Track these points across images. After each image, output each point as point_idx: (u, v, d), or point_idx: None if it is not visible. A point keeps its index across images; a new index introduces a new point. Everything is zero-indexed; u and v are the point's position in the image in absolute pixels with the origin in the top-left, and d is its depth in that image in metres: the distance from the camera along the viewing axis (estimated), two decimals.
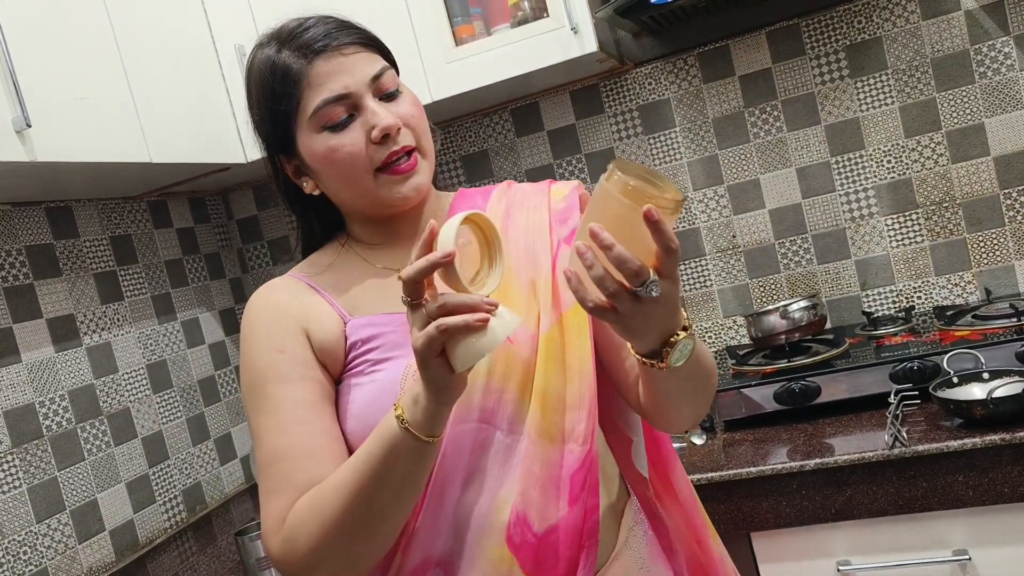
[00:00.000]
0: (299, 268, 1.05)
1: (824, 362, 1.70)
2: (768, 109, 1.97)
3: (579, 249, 0.74)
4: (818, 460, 1.46)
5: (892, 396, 1.54)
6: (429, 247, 0.76)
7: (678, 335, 0.79)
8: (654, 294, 0.73)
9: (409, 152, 0.94)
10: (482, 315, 0.74)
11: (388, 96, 0.94)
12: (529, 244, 0.98)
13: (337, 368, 0.96)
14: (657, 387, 0.90)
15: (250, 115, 1.01)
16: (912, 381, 1.57)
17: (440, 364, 0.76)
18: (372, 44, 0.96)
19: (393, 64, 0.99)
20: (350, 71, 0.92)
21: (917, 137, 1.89)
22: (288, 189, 1.02)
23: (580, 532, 0.90)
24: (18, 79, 1.36)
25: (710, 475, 1.52)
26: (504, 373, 0.91)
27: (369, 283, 0.99)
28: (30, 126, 1.37)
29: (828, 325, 1.96)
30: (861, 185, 1.94)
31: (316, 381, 0.93)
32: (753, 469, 1.49)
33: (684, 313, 0.81)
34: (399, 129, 0.93)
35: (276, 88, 0.93)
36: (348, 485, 0.82)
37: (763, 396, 1.68)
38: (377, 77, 0.93)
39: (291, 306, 0.97)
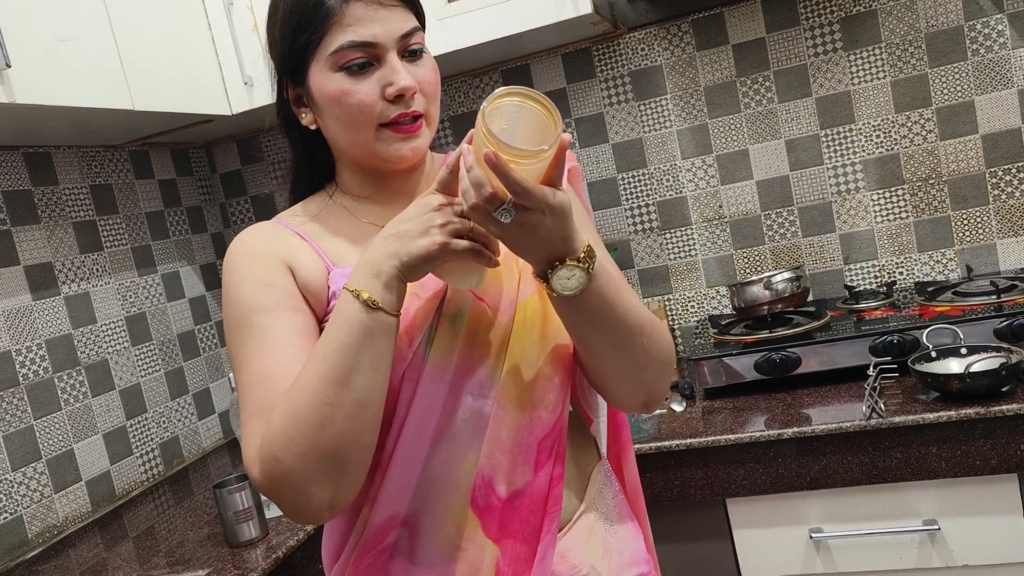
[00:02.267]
0: (286, 214, 1.03)
1: (805, 333, 1.71)
2: (760, 79, 1.96)
3: (462, 150, 0.79)
4: (795, 429, 1.47)
5: (871, 368, 1.56)
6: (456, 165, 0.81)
7: (564, 262, 0.81)
8: (503, 219, 0.77)
9: (416, 117, 0.93)
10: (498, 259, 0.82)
11: (412, 54, 0.93)
12: None
13: (319, 311, 0.95)
14: (569, 325, 0.90)
15: (267, 30, 0.99)
16: (891, 354, 1.59)
17: (425, 270, 0.83)
18: (411, 2, 0.95)
19: (423, 26, 0.98)
20: (383, 21, 0.90)
21: (907, 113, 1.89)
22: (288, 117, 1.00)
23: (545, 498, 0.91)
24: None
25: (688, 441, 1.53)
26: (480, 338, 0.90)
27: (354, 237, 0.98)
28: (9, 66, 1.33)
29: (810, 297, 1.97)
30: (849, 159, 1.94)
31: (305, 313, 0.92)
32: (731, 436, 1.51)
33: (584, 244, 0.82)
34: (414, 93, 0.92)
35: (306, 13, 0.91)
36: (324, 378, 0.80)
37: (744, 365, 1.69)
38: (407, 35, 0.92)
39: (276, 247, 0.96)
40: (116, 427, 1.91)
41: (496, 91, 0.77)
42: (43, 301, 1.77)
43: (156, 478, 2.00)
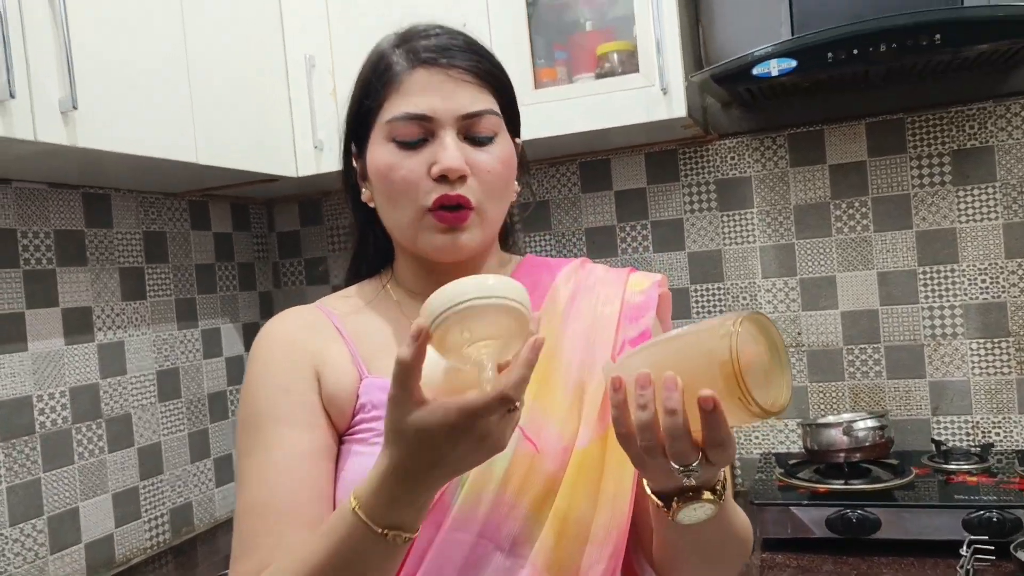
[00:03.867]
0: (331, 300, 0.93)
1: (886, 491, 1.53)
2: (856, 204, 1.83)
3: (640, 379, 0.63)
4: None
5: (964, 548, 1.36)
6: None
7: (700, 495, 0.68)
8: (687, 482, 0.65)
9: (461, 204, 0.81)
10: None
11: (476, 141, 0.83)
12: (589, 339, 0.85)
13: (342, 424, 0.84)
14: (664, 534, 0.77)
15: (349, 94, 0.92)
16: (989, 533, 1.39)
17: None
18: (489, 80, 0.85)
19: (510, 111, 0.89)
20: (446, 95, 0.81)
21: (1019, 260, 1.73)
22: (354, 190, 0.92)
23: None
24: (72, 57, 1.27)
25: None
26: (521, 484, 0.77)
27: (397, 339, 0.87)
28: (76, 108, 1.28)
29: (892, 448, 1.79)
30: (948, 301, 1.78)
31: (319, 431, 0.82)
32: None
33: (721, 476, 0.70)
34: (463, 177, 0.81)
35: (372, 80, 0.85)
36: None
37: (813, 518, 1.51)
38: (471, 116, 0.82)
39: (308, 343, 0.86)
40: (128, 487, 1.79)
41: (744, 315, 0.61)
42: (75, 347, 1.69)
43: (161, 546, 1.87)
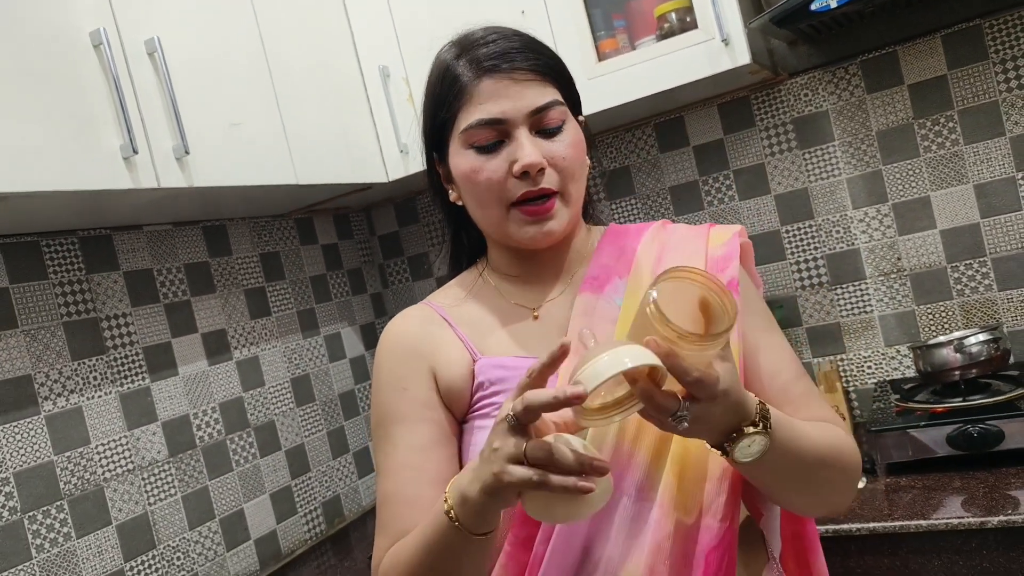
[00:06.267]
0: (437, 296, 1.03)
1: (1008, 403, 1.51)
2: (942, 120, 1.79)
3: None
4: (1002, 517, 1.29)
5: None
6: (556, 363, 0.72)
7: (743, 431, 0.74)
8: (680, 428, 0.70)
9: (547, 195, 0.89)
10: (588, 485, 0.69)
11: (547, 132, 0.90)
12: None
13: (463, 407, 0.94)
14: (749, 476, 0.83)
15: (422, 107, 1.00)
16: None
17: (511, 497, 0.73)
18: (550, 73, 0.92)
19: (571, 96, 0.95)
20: (514, 97, 0.88)
21: None
22: (441, 192, 1.00)
23: None
24: (179, 109, 1.41)
25: (872, 525, 1.38)
26: (636, 435, 0.84)
27: (502, 320, 0.96)
28: (188, 153, 1.42)
29: (1011, 360, 1.76)
30: None
31: (434, 423, 0.92)
32: (923, 522, 1.35)
33: (755, 404, 0.76)
34: (542, 169, 0.88)
35: (441, 93, 0.93)
36: (412, 559, 0.83)
37: (933, 438, 1.52)
38: (540, 110, 0.89)
39: (422, 343, 0.96)
40: (282, 487, 1.97)
41: (659, 275, 0.72)
42: (217, 366, 1.87)
43: (319, 536, 2.05)
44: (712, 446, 0.77)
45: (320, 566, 1.85)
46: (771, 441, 0.76)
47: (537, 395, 0.69)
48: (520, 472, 0.69)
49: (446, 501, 0.77)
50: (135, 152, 1.33)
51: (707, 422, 0.73)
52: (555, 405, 0.68)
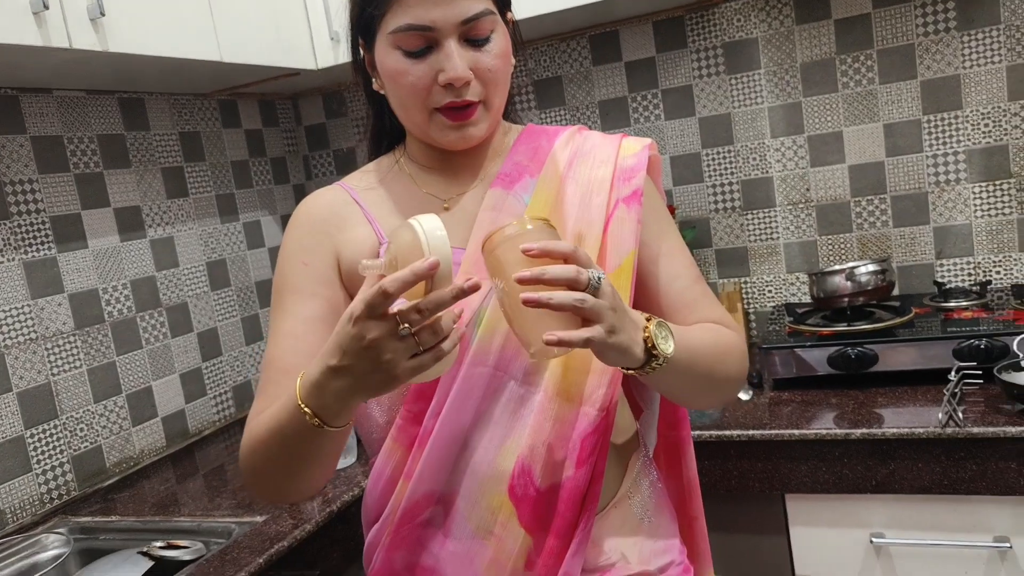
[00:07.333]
0: (352, 178, 1.04)
1: (886, 330, 1.63)
2: (861, 58, 1.85)
3: (527, 299, 0.73)
4: (865, 430, 1.41)
5: (952, 373, 1.48)
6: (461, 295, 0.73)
7: (649, 332, 0.80)
8: (596, 283, 0.75)
9: (469, 104, 0.90)
10: (455, 340, 0.74)
11: (475, 42, 0.90)
12: (586, 198, 0.95)
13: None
14: (659, 388, 0.90)
15: None
16: (977, 360, 1.50)
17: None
18: None
19: (504, 4, 0.95)
20: (444, 5, 0.87)
21: (1022, 102, 1.76)
22: (366, 77, 1.00)
23: (583, 494, 0.89)
24: None
25: (751, 432, 1.49)
26: None
27: (412, 207, 0.98)
28: (104, 15, 1.37)
29: (896, 292, 1.88)
30: (951, 148, 1.83)
31: (326, 300, 0.94)
32: (796, 432, 1.46)
33: (641, 313, 0.83)
34: (467, 83, 0.89)
35: None
36: (264, 436, 0.84)
37: (816, 358, 1.63)
38: (470, 20, 0.88)
39: (329, 222, 0.97)
40: (192, 368, 1.98)
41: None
42: (130, 243, 1.84)
43: (227, 419, 2.08)
44: (633, 371, 0.82)
45: (229, 447, 1.88)
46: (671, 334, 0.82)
47: (394, 277, 0.70)
48: (428, 359, 0.72)
49: (301, 401, 0.77)
50: (45, 7, 1.27)
51: (623, 331, 0.77)
52: (412, 281, 0.70)
